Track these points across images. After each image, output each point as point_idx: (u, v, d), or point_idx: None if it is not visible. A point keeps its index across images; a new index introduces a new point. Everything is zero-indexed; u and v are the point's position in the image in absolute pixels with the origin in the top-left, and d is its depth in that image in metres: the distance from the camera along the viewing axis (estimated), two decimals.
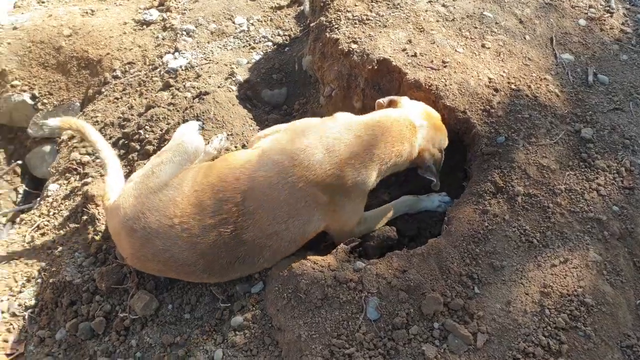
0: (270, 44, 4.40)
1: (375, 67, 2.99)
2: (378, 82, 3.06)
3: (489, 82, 2.87)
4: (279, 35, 4.47)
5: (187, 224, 2.24)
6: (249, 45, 4.41)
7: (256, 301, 2.37)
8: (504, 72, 2.96)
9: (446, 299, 2.22)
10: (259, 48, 4.35)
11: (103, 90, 4.44)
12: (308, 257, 2.39)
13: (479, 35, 3.23)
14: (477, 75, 2.90)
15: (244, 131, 3.37)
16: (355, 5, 3.50)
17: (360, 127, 2.47)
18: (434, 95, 2.79)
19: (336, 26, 3.35)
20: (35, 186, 4.61)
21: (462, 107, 2.75)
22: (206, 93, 3.61)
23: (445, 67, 2.92)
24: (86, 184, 3.22)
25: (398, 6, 3.44)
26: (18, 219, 3.44)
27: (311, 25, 3.65)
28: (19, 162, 4.58)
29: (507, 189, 2.51)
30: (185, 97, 3.64)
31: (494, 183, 2.53)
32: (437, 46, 3.08)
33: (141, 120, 3.50)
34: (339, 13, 3.43)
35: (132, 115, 3.73)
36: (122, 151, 3.42)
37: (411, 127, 2.53)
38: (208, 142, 3.19)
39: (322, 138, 2.39)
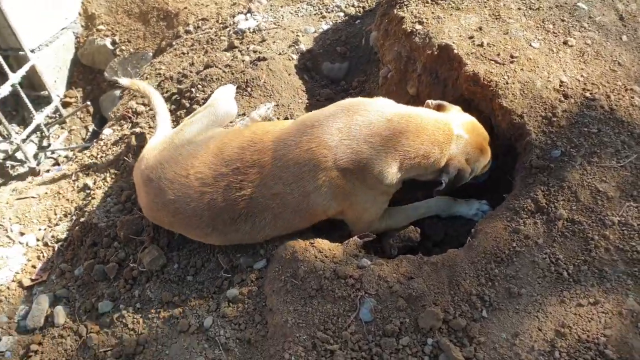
0: (342, 14, 4.34)
1: (435, 53, 2.85)
2: (436, 70, 2.92)
3: (560, 85, 2.62)
4: (352, 6, 4.39)
5: (201, 173, 2.36)
6: (320, 13, 4.38)
7: (256, 277, 2.43)
8: (582, 75, 2.69)
9: (447, 316, 2.13)
10: (330, 18, 4.31)
11: (174, 43, 4.68)
12: (316, 242, 2.40)
13: (563, 29, 2.94)
14: (547, 75, 2.66)
15: (291, 103, 3.39)
16: None
17: (394, 114, 2.40)
18: (491, 93, 2.61)
19: (406, 3, 3.22)
20: (102, 126, 5.03)
21: (520, 110, 2.54)
22: (263, 59, 3.67)
23: (512, 62, 2.71)
24: (134, 133, 3.45)
25: None
26: (72, 156, 3.79)
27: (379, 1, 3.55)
28: (88, 103, 5.00)
29: (549, 210, 2.31)
30: (243, 61, 3.72)
31: (535, 201, 2.34)
32: (510, 37, 2.85)
33: (196, 79, 3.65)
34: None
35: (191, 72, 3.90)
36: (173, 107, 3.60)
37: (448, 134, 2.41)
38: (255, 109, 3.27)
39: (350, 110, 2.38)
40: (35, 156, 4.84)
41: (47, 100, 5.02)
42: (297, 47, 4.04)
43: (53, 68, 5.18)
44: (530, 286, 2.17)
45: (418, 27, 2.99)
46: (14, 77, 4.38)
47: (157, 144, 2.66)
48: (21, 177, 4.71)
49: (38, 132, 4.99)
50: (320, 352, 2.12)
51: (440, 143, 2.39)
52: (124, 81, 3.47)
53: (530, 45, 2.82)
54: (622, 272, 2.15)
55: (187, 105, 3.49)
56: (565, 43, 2.86)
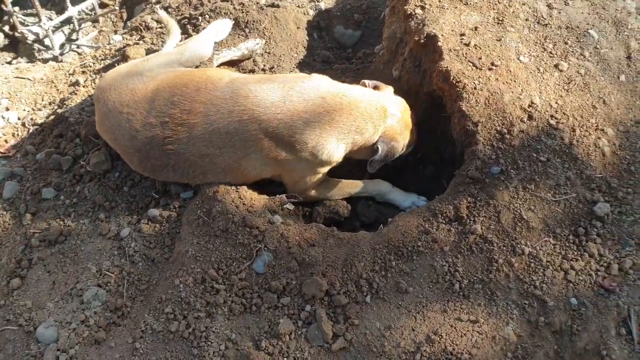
0: None
1: (422, 41, 2.72)
2: (420, 58, 2.80)
3: (529, 105, 2.47)
4: None
5: (132, 115, 2.36)
6: None
7: (179, 205, 2.48)
8: (556, 102, 2.52)
9: (332, 290, 2.13)
10: None
11: None
12: (241, 189, 2.41)
13: (562, 52, 2.74)
14: (520, 92, 2.51)
15: (283, 55, 3.34)
16: None
17: (329, 92, 2.34)
18: (456, 94, 2.49)
19: None
20: None
21: (477, 118, 2.42)
22: (275, 5, 3.59)
23: (490, 69, 2.56)
24: (135, 44, 3.48)
25: None
26: (80, 51, 3.87)
27: None
28: (116, 8, 5.04)
29: (466, 222, 2.24)
30: (258, 3, 3.66)
31: (456, 209, 2.26)
32: (501, 45, 2.69)
33: (207, 9, 3.62)
34: None
35: (209, 1, 3.87)
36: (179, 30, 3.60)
37: (382, 112, 2.38)
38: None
39: (285, 85, 2.32)
40: (62, 46, 4.96)
41: None
42: (317, 3, 3.92)
43: None
44: (420, 287, 2.13)
45: (418, 11, 2.85)
46: None
47: (122, 65, 2.69)
48: (44, 62, 4.86)
49: (70, 25, 5.09)
50: (207, 288, 2.17)
51: (374, 120, 2.36)
52: (161, 13, 3.47)
53: (518, 58, 2.65)
54: (512, 302, 2.08)
55: (191, 31, 3.48)
56: (556, 66, 2.68)
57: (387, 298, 2.12)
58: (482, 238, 2.19)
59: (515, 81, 2.54)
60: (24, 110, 3.25)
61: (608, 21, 2.89)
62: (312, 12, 3.87)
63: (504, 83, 2.52)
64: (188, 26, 3.54)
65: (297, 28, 3.68)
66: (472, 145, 2.39)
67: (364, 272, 2.16)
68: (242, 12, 3.47)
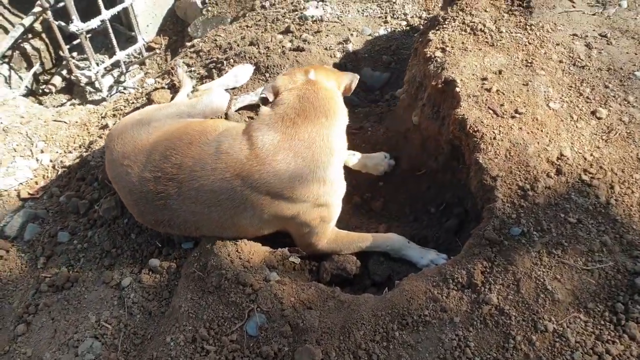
0: (404, 23, 3.99)
1: (440, 86, 2.49)
2: (439, 104, 2.56)
3: (558, 158, 2.16)
4: (419, 17, 4.01)
5: (131, 168, 2.28)
6: (384, 17, 4.07)
7: (179, 256, 2.35)
8: (592, 155, 2.19)
9: None
10: (391, 24, 3.99)
11: (247, 14, 4.63)
12: (241, 242, 2.25)
13: (601, 97, 2.41)
14: (547, 143, 2.20)
15: None
16: (485, 11, 2.90)
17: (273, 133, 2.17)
18: (473, 144, 2.22)
19: (444, 26, 2.85)
20: None
21: (496, 171, 2.14)
22: (301, 49, 3.49)
23: (513, 117, 2.28)
24: (161, 88, 3.48)
25: (530, 28, 2.75)
26: (127, 92, 3.93)
27: (429, 17, 3.17)
28: (158, 51, 5.15)
29: (481, 290, 1.94)
30: (284, 46, 3.58)
31: (470, 274, 1.97)
32: (527, 90, 2.40)
33: (233, 53, 3.57)
34: (460, 13, 2.90)
35: (238, 45, 3.84)
36: (205, 74, 3.57)
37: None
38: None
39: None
40: (110, 88, 5.13)
41: (135, 41, 5.26)
42: (345, 45, 3.79)
43: (149, 14, 5.40)
44: None
45: (438, 54, 2.62)
46: (105, 14, 4.62)
47: (140, 111, 2.64)
48: (95, 103, 5.04)
49: (120, 68, 5.26)
50: (197, 348, 2.00)
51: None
52: (179, 70, 3.49)
53: (548, 104, 2.35)
54: None
55: (215, 76, 3.44)
56: (593, 113, 2.35)
57: None
58: (498, 309, 1.88)
59: (542, 131, 2.24)
60: (57, 152, 3.29)
61: None
62: (339, 55, 3.73)
63: (528, 133, 2.22)
64: (214, 70, 3.50)
65: None
66: (490, 202, 2.10)
67: (363, 342, 1.91)
68: (265, 56, 3.39)
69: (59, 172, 3.12)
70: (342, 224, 2.52)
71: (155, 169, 2.22)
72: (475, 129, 2.22)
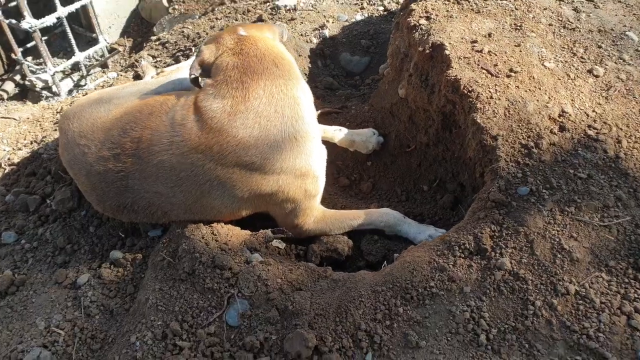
0: (381, 8, 3.90)
1: (427, 52, 2.35)
2: (427, 72, 2.42)
3: (560, 115, 2.03)
4: (396, 2, 3.93)
5: (88, 147, 2.03)
6: (360, 4, 3.98)
7: (146, 245, 2.09)
8: (594, 111, 2.07)
9: (322, 346, 1.65)
10: (368, 9, 3.89)
11: (216, 9, 4.47)
12: (215, 224, 2.02)
13: (595, 57, 2.32)
14: (546, 100, 2.08)
15: None
16: None
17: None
18: (468, 105, 2.08)
19: None
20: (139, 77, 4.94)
21: (496, 130, 1.99)
22: None
23: (508, 76, 2.15)
24: (125, 79, 3.25)
25: None
26: (76, 92, 3.67)
27: None
28: (120, 50, 4.92)
29: (491, 255, 1.76)
30: None
31: (477, 240, 1.79)
32: (520, 50, 2.29)
33: (204, 41, 3.39)
34: None
35: (207, 34, 3.66)
36: (172, 61, 3.37)
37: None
38: None
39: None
40: (70, 92, 4.84)
41: (97, 43, 5.01)
42: (321, 31, 3.66)
43: (111, 14, 5.18)
44: (435, 340, 1.64)
45: (423, 22, 2.50)
46: (61, 11, 4.37)
47: (101, 91, 2.40)
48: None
49: (80, 71, 4.99)
50: (168, 346, 1.73)
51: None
52: (143, 63, 3.26)
53: (543, 64, 2.24)
54: (559, 357, 1.56)
55: (182, 60, 3.24)
56: (590, 71, 2.25)
57: (393, 355, 1.63)
58: (512, 275, 1.70)
59: (540, 89, 2.12)
60: (4, 150, 2.99)
61: None
62: (315, 40, 3.60)
63: (526, 91, 2.10)
64: (181, 58, 3.31)
65: (299, 56, 3.41)
66: (492, 163, 1.94)
67: (363, 322, 1.69)
68: None
69: (6, 170, 2.82)
70: (329, 206, 2.32)
71: (114, 145, 1.98)
72: (470, 89, 2.08)
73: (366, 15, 3.82)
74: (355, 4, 3.99)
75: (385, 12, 3.85)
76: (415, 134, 2.57)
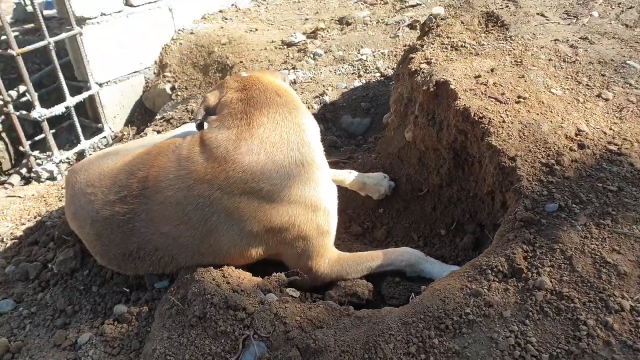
0: (378, 75, 4.06)
1: (432, 90, 2.39)
2: (433, 110, 2.44)
3: (576, 133, 2.01)
4: (392, 69, 4.11)
5: (95, 195, 2.00)
6: (358, 73, 4.16)
7: (152, 298, 1.96)
8: (611, 129, 2.05)
9: None
10: (365, 77, 4.06)
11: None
12: (228, 269, 1.90)
13: (601, 84, 2.35)
14: (560, 121, 2.06)
15: None
16: (461, 33, 2.96)
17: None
18: (481, 131, 2.06)
19: (424, 49, 2.85)
20: None
21: (513, 152, 1.95)
22: None
23: (518, 102, 2.16)
24: None
25: (510, 39, 2.78)
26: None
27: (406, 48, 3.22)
28: (124, 134, 5.05)
29: (528, 276, 1.62)
30: None
31: (510, 260, 1.67)
32: (525, 81, 2.32)
33: None
34: (437, 38, 2.93)
35: None
36: None
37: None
38: None
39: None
40: None
41: (102, 131, 5.18)
42: (321, 98, 3.79)
43: (116, 105, 5.41)
44: None
45: (424, 66, 2.57)
46: (69, 101, 4.57)
47: (108, 148, 2.43)
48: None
49: None
50: None
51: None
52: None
53: (550, 91, 2.26)
54: None
55: None
56: (598, 96, 2.27)
57: None
58: (555, 294, 1.56)
59: (551, 112, 2.11)
60: (7, 226, 2.94)
61: None
62: (317, 107, 3.71)
63: (538, 114, 2.09)
64: None
65: None
66: (513, 185, 1.88)
67: (395, 357, 1.51)
68: None
69: (8, 245, 2.75)
70: (344, 251, 2.21)
71: (121, 188, 1.94)
72: (481, 115, 2.07)
73: (364, 81, 3.97)
74: (353, 73, 4.17)
75: (382, 78, 4.00)
76: (427, 175, 2.53)
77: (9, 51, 3.95)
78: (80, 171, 2.17)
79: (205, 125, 2.07)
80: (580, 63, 2.51)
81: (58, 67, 4.35)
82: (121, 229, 1.91)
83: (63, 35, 4.32)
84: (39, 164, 4.93)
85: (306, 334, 1.59)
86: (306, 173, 1.87)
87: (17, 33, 5.38)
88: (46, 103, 4.70)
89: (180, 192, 1.83)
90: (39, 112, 4.30)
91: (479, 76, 2.36)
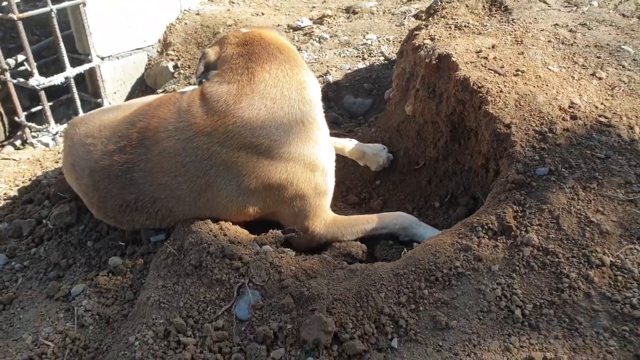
0: (382, 58, 4.14)
1: (434, 63, 2.47)
2: (434, 83, 2.51)
3: (570, 106, 2.09)
4: (397, 53, 4.18)
5: (94, 145, 2.06)
6: (362, 56, 4.23)
7: (148, 251, 2.03)
8: (603, 104, 2.14)
9: (342, 333, 1.54)
10: (369, 60, 4.13)
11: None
12: (223, 222, 1.97)
13: (596, 64, 2.44)
14: (555, 94, 2.15)
15: None
16: (465, 15, 3.04)
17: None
18: (479, 100, 2.14)
19: (428, 27, 2.93)
20: None
21: (509, 119, 2.03)
22: None
23: (516, 75, 2.25)
24: None
25: (512, 21, 2.86)
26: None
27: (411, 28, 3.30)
28: None
29: (517, 234, 1.71)
30: None
31: (500, 219, 1.75)
32: (524, 57, 2.40)
33: None
34: (442, 19, 3.02)
35: None
36: None
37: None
38: None
39: None
40: None
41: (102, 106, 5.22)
42: (325, 77, 3.86)
43: (117, 80, 5.44)
44: (467, 320, 1.54)
45: (427, 41, 2.65)
46: (69, 71, 4.61)
47: (112, 105, 2.49)
48: None
49: None
50: (171, 344, 1.61)
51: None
52: None
53: (547, 67, 2.34)
54: (604, 329, 1.45)
55: None
56: (593, 74, 2.35)
57: (421, 339, 1.52)
58: (541, 250, 1.64)
59: (547, 85, 2.20)
60: (0, 187, 3.00)
61: None
62: (320, 86, 3.78)
63: (534, 87, 2.18)
64: None
65: None
66: (506, 150, 1.96)
67: (386, 306, 1.59)
68: None
69: (1, 204, 2.80)
70: None
71: (121, 138, 2.00)
72: (480, 85, 2.16)
73: (367, 64, 4.05)
74: (357, 56, 4.24)
75: (386, 61, 4.08)
76: (424, 149, 2.61)
77: (10, 15, 3.98)
78: (80, 123, 2.23)
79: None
80: (577, 46, 2.59)
81: (59, 35, 4.37)
82: (119, 179, 1.97)
83: (66, 4, 4.35)
84: (34, 136, 4.96)
85: (300, 283, 1.66)
86: (306, 131, 1.94)
87: (18, 0, 5.40)
88: (45, 75, 4.73)
89: (179, 144, 1.89)
90: (37, 80, 4.34)
91: (480, 51, 2.44)
